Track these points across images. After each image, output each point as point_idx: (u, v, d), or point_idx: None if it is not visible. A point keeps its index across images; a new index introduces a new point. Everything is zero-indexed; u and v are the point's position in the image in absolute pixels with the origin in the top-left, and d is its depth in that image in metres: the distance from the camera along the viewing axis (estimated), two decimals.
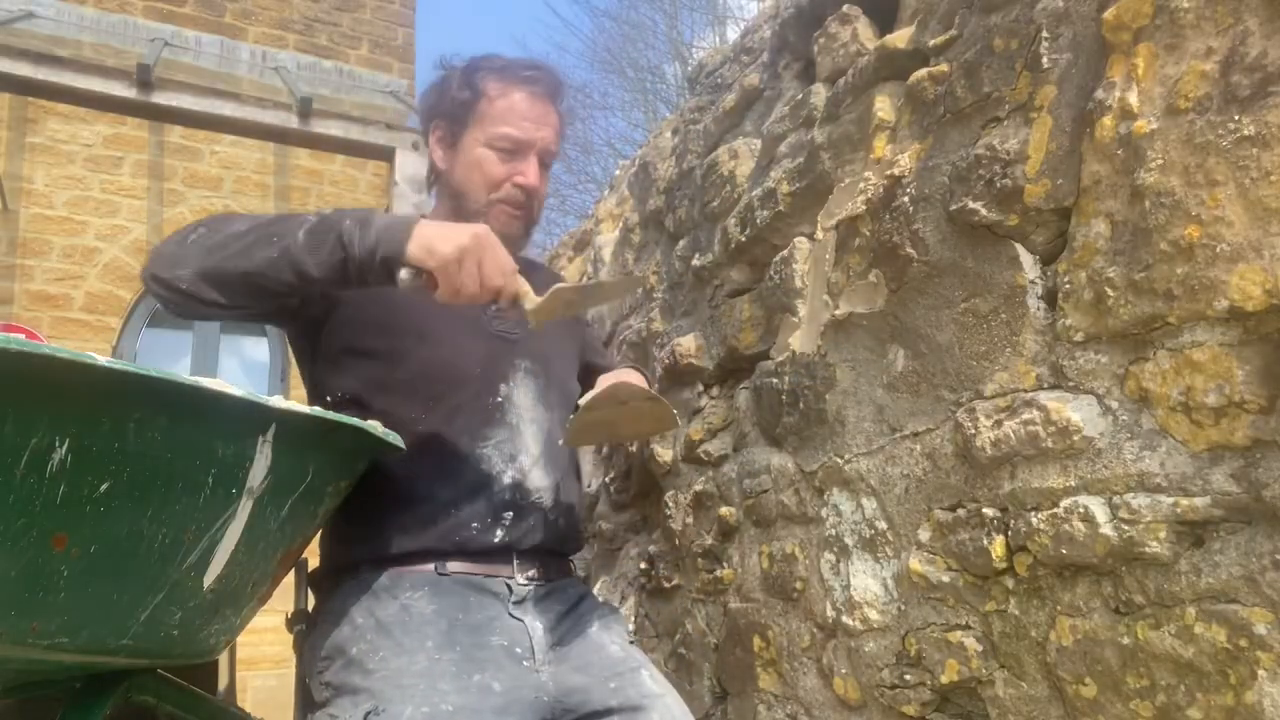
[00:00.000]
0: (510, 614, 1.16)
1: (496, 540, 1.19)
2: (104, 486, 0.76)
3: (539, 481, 1.25)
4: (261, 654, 5.18)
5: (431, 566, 1.16)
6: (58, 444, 0.72)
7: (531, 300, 1.10)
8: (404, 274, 1.04)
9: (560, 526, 1.28)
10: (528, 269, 1.41)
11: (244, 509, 0.88)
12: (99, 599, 0.80)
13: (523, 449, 1.25)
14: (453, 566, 1.16)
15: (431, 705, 1.01)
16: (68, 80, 4.58)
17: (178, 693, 1.07)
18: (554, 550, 1.27)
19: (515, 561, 1.20)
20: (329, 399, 1.23)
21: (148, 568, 0.82)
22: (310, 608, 1.24)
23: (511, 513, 1.21)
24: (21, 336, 0.69)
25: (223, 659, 1.28)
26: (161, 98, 4.74)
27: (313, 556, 1.22)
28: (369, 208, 1.14)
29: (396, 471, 1.17)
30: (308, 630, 1.18)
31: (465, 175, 1.30)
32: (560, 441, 1.29)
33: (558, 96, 1.34)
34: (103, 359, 0.72)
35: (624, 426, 1.32)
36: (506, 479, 1.22)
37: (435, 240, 1.03)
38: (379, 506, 1.17)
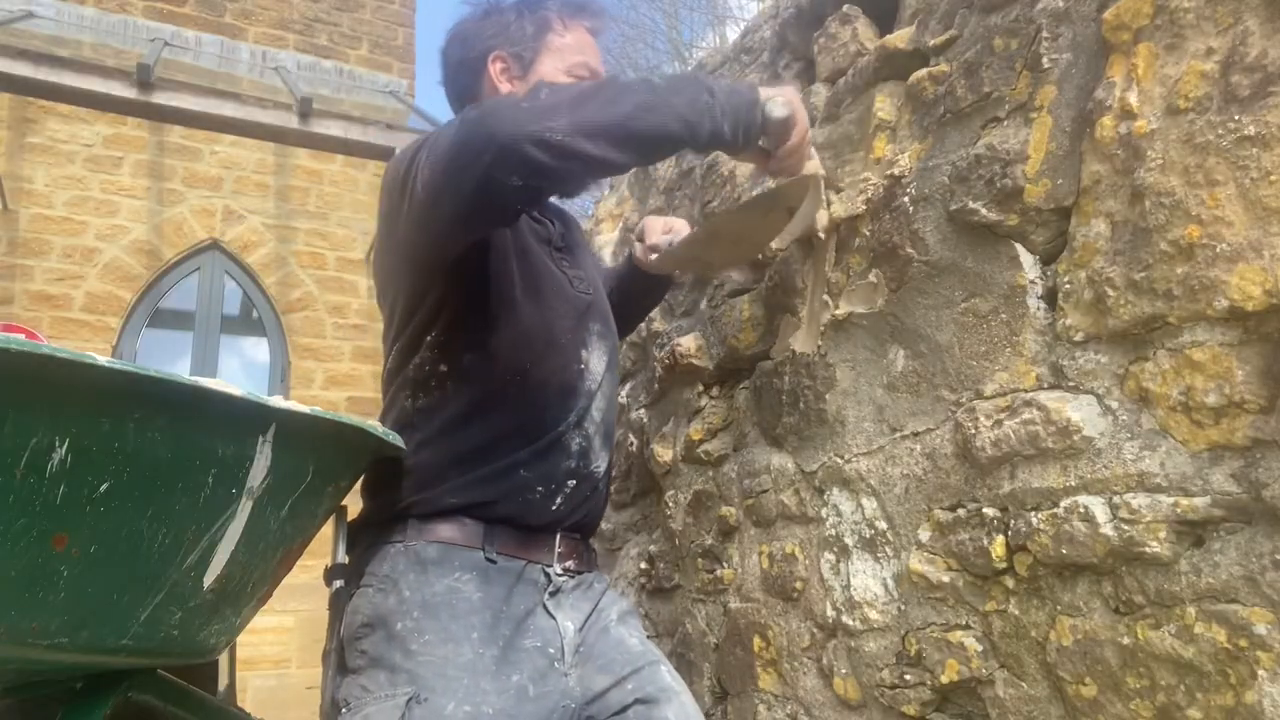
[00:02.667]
0: (545, 608, 1.15)
1: (554, 508, 1.18)
2: (104, 486, 0.76)
3: (599, 451, 1.25)
4: (261, 654, 5.18)
5: (480, 544, 1.13)
6: (58, 444, 0.72)
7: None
8: (777, 105, 1.10)
9: (601, 499, 1.28)
10: (562, 218, 1.41)
11: (244, 509, 0.88)
12: (99, 599, 0.80)
13: (589, 417, 1.24)
14: (500, 545, 1.14)
15: (474, 705, 1.01)
16: (68, 80, 4.58)
17: (178, 693, 1.07)
18: (588, 531, 1.27)
19: (557, 548, 1.19)
20: (427, 338, 1.19)
21: (148, 568, 0.82)
22: (347, 562, 1.20)
23: (574, 481, 1.20)
24: (21, 336, 0.69)
25: (223, 659, 1.27)
26: (161, 98, 4.75)
27: (351, 510, 1.18)
28: None
29: (471, 432, 1.15)
30: (347, 589, 1.14)
31: None
32: (653, 259, 1.35)
33: (604, 36, 1.40)
34: (103, 359, 0.72)
35: (724, 254, 1.35)
36: (574, 446, 1.21)
37: (778, 88, 1.13)
38: (442, 461, 1.15)
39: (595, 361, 1.27)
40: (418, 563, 1.11)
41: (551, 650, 1.12)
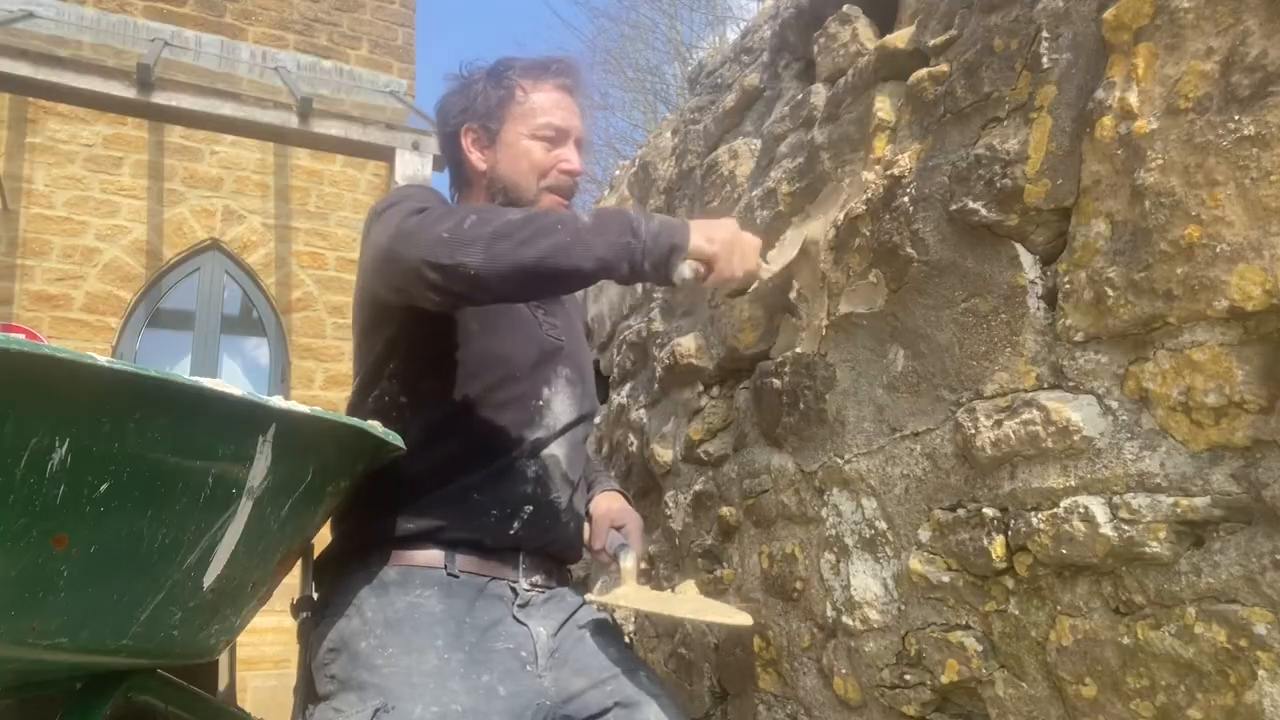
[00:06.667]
0: (515, 618, 1.17)
1: (512, 532, 1.21)
2: (104, 487, 0.76)
3: (560, 483, 1.28)
4: (261, 654, 5.18)
5: (442, 564, 1.16)
6: (58, 444, 0.72)
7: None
8: (685, 267, 1.14)
9: (570, 531, 1.31)
10: None
11: (244, 509, 0.88)
12: (99, 599, 0.80)
13: (548, 453, 1.28)
14: (462, 563, 1.17)
15: (442, 705, 1.02)
16: (68, 80, 4.58)
17: (178, 693, 1.07)
18: (558, 556, 1.29)
19: (522, 565, 1.21)
20: (387, 368, 1.25)
21: (148, 568, 0.82)
22: (315, 595, 1.23)
23: (531, 507, 1.23)
24: (21, 336, 0.69)
25: (223, 659, 1.28)
26: (161, 98, 4.75)
27: (318, 545, 1.21)
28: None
29: (427, 456, 1.18)
30: (313, 619, 1.18)
31: (513, 167, 1.34)
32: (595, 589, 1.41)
33: (581, 89, 1.42)
34: (103, 359, 0.72)
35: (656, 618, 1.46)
36: (530, 473, 1.25)
37: (713, 229, 1.15)
38: (400, 487, 1.18)
39: (559, 404, 1.30)
40: (379, 585, 1.14)
41: (524, 653, 1.14)
